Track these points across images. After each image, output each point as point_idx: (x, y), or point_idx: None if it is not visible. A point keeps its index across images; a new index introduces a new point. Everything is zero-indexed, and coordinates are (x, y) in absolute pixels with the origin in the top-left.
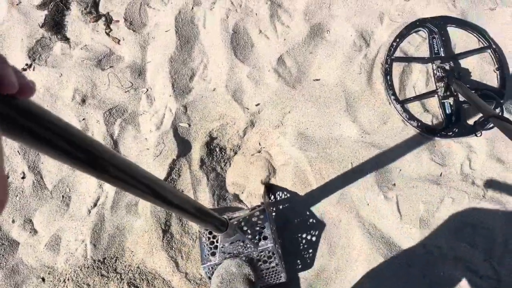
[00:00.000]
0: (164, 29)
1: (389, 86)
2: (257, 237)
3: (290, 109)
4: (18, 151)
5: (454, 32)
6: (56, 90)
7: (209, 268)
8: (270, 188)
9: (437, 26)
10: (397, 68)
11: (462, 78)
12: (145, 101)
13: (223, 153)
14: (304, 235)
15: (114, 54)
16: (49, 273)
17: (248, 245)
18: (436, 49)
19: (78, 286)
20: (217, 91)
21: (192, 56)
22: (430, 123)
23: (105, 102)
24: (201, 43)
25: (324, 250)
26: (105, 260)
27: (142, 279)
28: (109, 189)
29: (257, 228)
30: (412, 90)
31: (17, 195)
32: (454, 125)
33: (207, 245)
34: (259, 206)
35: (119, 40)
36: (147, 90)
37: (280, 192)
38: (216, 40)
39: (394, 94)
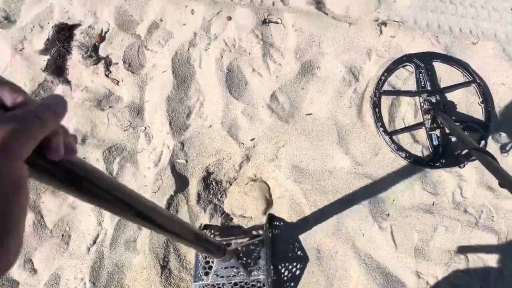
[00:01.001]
0: (161, 70)
1: (378, 118)
2: (251, 266)
3: (284, 143)
4: None
5: (439, 66)
6: None
7: (200, 287)
8: (271, 219)
9: (423, 61)
10: (386, 101)
11: (448, 111)
12: (143, 139)
13: (219, 185)
14: (299, 266)
15: (114, 95)
16: None
17: (241, 273)
18: (422, 83)
19: None
20: (213, 128)
21: (188, 94)
22: (419, 154)
23: (105, 141)
24: (197, 82)
25: (322, 283)
26: None
27: None
28: (108, 226)
29: (253, 257)
30: (401, 122)
31: None
32: (441, 156)
33: (202, 264)
34: (258, 235)
35: (118, 81)
36: (145, 128)
37: (277, 223)
38: (211, 79)
39: (382, 126)
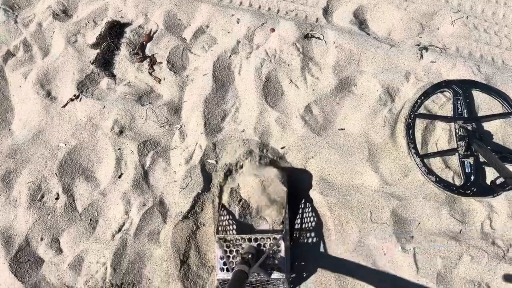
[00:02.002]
0: (202, 73)
1: (411, 140)
2: (271, 268)
3: (314, 154)
4: (55, 173)
5: (478, 95)
6: (97, 120)
7: (222, 282)
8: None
9: (462, 88)
10: (420, 124)
11: (484, 140)
12: (178, 137)
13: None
14: (316, 277)
15: (154, 92)
16: None
17: (262, 275)
18: (459, 109)
19: None
20: (246, 133)
21: (225, 99)
22: (449, 180)
23: (141, 135)
24: (235, 88)
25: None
26: (122, 285)
27: None
28: (135, 216)
29: (272, 258)
30: (433, 146)
31: (49, 214)
32: (473, 184)
33: (227, 258)
34: (277, 235)
35: (160, 80)
36: (181, 126)
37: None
38: (249, 86)
39: (415, 148)
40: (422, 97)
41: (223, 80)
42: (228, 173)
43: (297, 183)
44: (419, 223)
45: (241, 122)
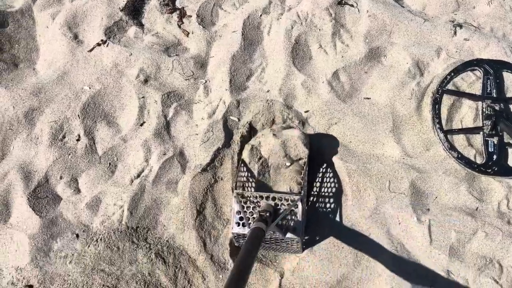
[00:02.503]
0: (231, 30)
1: (436, 115)
2: (286, 227)
3: (337, 121)
4: (78, 115)
5: (509, 77)
6: (123, 67)
7: (236, 236)
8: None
9: (493, 68)
10: (447, 100)
11: (511, 121)
12: (202, 91)
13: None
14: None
15: (181, 45)
16: (83, 231)
17: (278, 234)
18: (488, 89)
19: (109, 247)
20: (271, 93)
21: (252, 58)
22: (471, 157)
23: (165, 86)
24: (263, 48)
25: (349, 260)
26: (138, 229)
27: (170, 253)
28: (154, 164)
29: (288, 218)
30: (458, 123)
31: (69, 154)
32: (495, 163)
33: (243, 214)
34: (295, 197)
35: (188, 33)
36: (206, 81)
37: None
38: (277, 47)
39: (439, 123)
40: (452, 74)
41: (251, 39)
42: (249, 132)
43: (320, 148)
44: (436, 197)
45: (266, 83)
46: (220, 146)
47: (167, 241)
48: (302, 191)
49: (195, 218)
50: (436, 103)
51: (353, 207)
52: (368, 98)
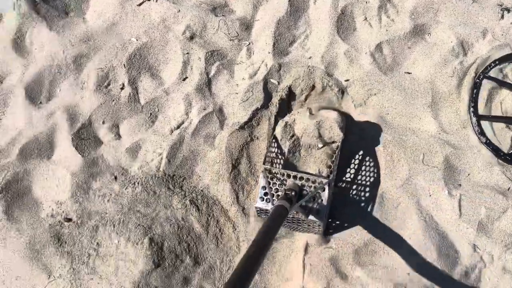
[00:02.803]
0: None
1: (473, 98)
2: (310, 209)
3: (377, 92)
4: (124, 65)
5: None
6: (170, 23)
7: (259, 210)
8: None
9: None
10: (487, 85)
11: None
12: (245, 53)
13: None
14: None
15: (228, 7)
16: (122, 174)
17: (300, 214)
18: None
19: (146, 191)
20: (312, 60)
21: (297, 24)
22: (498, 144)
23: (210, 44)
24: (308, 16)
25: (378, 227)
26: (174, 177)
27: (203, 202)
28: (194, 118)
29: (313, 201)
30: (494, 110)
31: (113, 101)
32: None
33: (269, 189)
34: (324, 180)
35: None
36: (249, 43)
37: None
38: (323, 16)
39: (474, 107)
40: (497, 62)
41: (297, 6)
42: (288, 95)
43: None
44: (469, 174)
45: (309, 50)
46: (259, 107)
47: (202, 190)
48: (331, 175)
49: (230, 171)
50: (475, 87)
51: (385, 176)
52: (409, 73)
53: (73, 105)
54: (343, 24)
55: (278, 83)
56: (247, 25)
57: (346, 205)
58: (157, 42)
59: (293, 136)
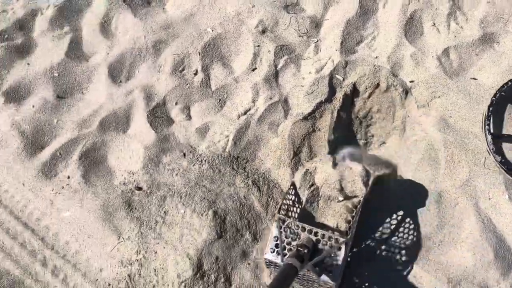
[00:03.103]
0: None
1: (488, 116)
2: (323, 269)
3: (441, 94)
4: (199, 52)
5: None
6: (244, 17)
7: (268, 262)
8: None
9: None
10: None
11: None
12: (312, 49)
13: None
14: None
15: (299, 5)
16: (190, 152)
17: (312, 274)
18: None
19: (212, 168)
20: (379, 59)
21: (365, 26)
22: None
23: (280, 39)
24: (377, 18)
25: (434, 222)
26: (239, 158)
27: (264, 183)
28: (261, 106)
29: (328, 259)
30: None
31: (186, 85)
32: None
33: (280, 242)
34: (341, 238)
35: None
36: (318, 40)
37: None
38: (391, 19)
39: (489, 125)
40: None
41: (367, 9)
42: (352, 92)
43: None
44: None
45: (375, 50)
46: (323, 100)
47: (263, 173)
48: (350, 234)
49: (291, 158)
50: (492, 105)
51: (444, 175)
52: (475, 79)
53: (150, 86)
54: (411, 28)
55: (343, 79)
56: (316, 23)
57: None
58: (231, 33)
59: (312, 185)
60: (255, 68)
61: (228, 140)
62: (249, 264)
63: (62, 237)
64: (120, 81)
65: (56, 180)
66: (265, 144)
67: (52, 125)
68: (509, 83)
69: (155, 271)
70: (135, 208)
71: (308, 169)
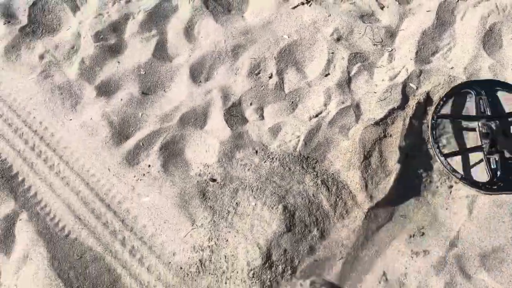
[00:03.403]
0: (425, 9)
1: (435, 140)
2: None
3: None
4: (274, 57)
5: (501, 95)
6: (320, 25)
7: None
8: None
9: (484, 87)
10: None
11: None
12: (386, 58)
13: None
14: None
15: (374, 16)
16: (262, 149)
17: None
18: (482, 108)
19: (282, 166)
20: (454, 70)
21: (441, 37)
22: (474, 177)
23: (354, 47)
24: (454, 30)
25: (509, 234)
26: (309, 158)
27: (333, 184)
28: (332, 110)
29: None
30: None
31: (261, 87)
32: (499, 179)
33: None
34: None
35: (383, 7)
36: (392, 50)
37: None
38: (469, 31)
39: (438, 147)
40: (444, 98)
41: (444, 20)
42: (425, 100)
43: None
44: None
45: (451, 61)
46: (395, 107)
47: (333, 174)
48: None
49: (361, 161)
50: (433, 128)
51: None
52: None
53: (227, 87)
54: (489, 40)
55: (417, 88)
56: (391, 33)
57: None
58: (306, 40)
59: None
60: (328, 74)
61: (299, 140)
62: (316, 260)
63: (140, 220)
64: (200, 81)
65: (138, 167)
66: (335, 146)
67: (137, 117)
68: (441, 103)
69: (225, 257)
70: (209, 198)
71: None
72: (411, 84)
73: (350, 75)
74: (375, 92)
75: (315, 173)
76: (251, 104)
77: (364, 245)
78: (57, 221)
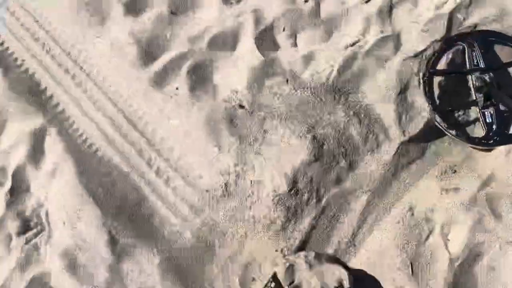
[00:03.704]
0: None
1: (429, 97)
2: None
3: None
4: None
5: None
6: None
7: None
8: None
9: (477, 39)
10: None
11: (504, 88)
12: None
13: None
14: None
15: None
16: (293, 78)
17: None
18: (475, 61)
19: (313, 95)
20: (508, 2)
21: None
22: (470, 132)
23: None
24: None
25: None
26: (341, 89)
27: (366, 116)
28: (371, 38)
29: None
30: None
31: (297, 12)
32: (495, 133)
33: None
34: None
35: None
36: None
37: None
38: None
39: (433, 104)
40: (436, 54)
41: None
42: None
43: None
44: None
45: None
46: (439, 39)
47: (366, 106)
48: None
49: (397, 94)
50: (426, 85)
51: None
52: None
53: (260, 9)
54: None
55: (464, 19)
56: None
57: None
58: None
59: (292, 283)
60: (369, 0)
61: (333, 70)
62: (341, 191)
63: (167, 142)
64: (232, 2)
65: (166, 90)
66: (370, 78)
67: (165, 38)
68: (433, 58)
69: (251, 182)
70: (237, 124)
71: (290, 264)
72: (458, 15)
73: (392, 2)
74: (417, 23)
75: (347, 105)
76: (284, 29)
77: (393, 180)
78: (84, 137)
